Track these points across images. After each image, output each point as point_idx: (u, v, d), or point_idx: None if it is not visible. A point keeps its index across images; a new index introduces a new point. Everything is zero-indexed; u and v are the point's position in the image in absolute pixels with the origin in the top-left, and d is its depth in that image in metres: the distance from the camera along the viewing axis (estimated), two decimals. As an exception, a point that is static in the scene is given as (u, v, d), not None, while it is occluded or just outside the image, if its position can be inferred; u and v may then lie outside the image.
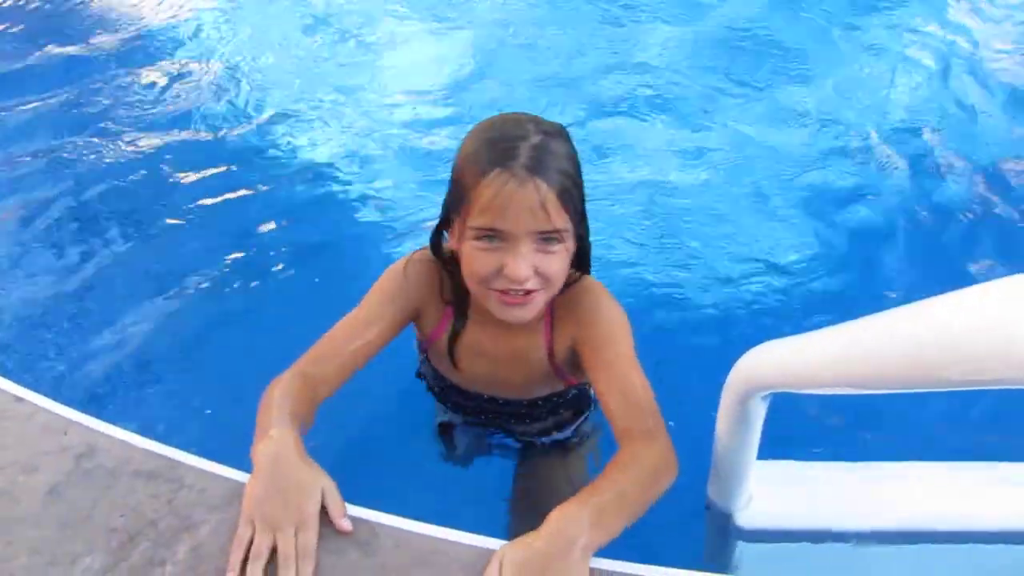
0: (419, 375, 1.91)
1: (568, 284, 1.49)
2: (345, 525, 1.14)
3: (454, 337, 1.60)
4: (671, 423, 1.39)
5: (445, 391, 1.78)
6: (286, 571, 1.07)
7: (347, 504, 1.19)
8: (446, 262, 1.55)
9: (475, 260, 1.37)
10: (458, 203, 1.38)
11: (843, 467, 1.55)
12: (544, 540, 1.11)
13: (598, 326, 1.52)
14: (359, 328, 1.52)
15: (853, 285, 2.74)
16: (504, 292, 1.38)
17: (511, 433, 1.88)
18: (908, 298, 1.00)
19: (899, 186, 3.24)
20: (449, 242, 1.49)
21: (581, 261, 1.53)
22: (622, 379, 1.45)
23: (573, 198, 1.36)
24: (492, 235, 1.33)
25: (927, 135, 3.52)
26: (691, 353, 2.40)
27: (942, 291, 0.93)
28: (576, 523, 1.12)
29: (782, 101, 3.68)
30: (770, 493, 1.47)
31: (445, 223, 1.49)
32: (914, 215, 3.09)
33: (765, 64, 3.91)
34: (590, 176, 1.45)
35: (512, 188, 1.29)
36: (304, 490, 1.15)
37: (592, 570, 1.11)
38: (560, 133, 1.39)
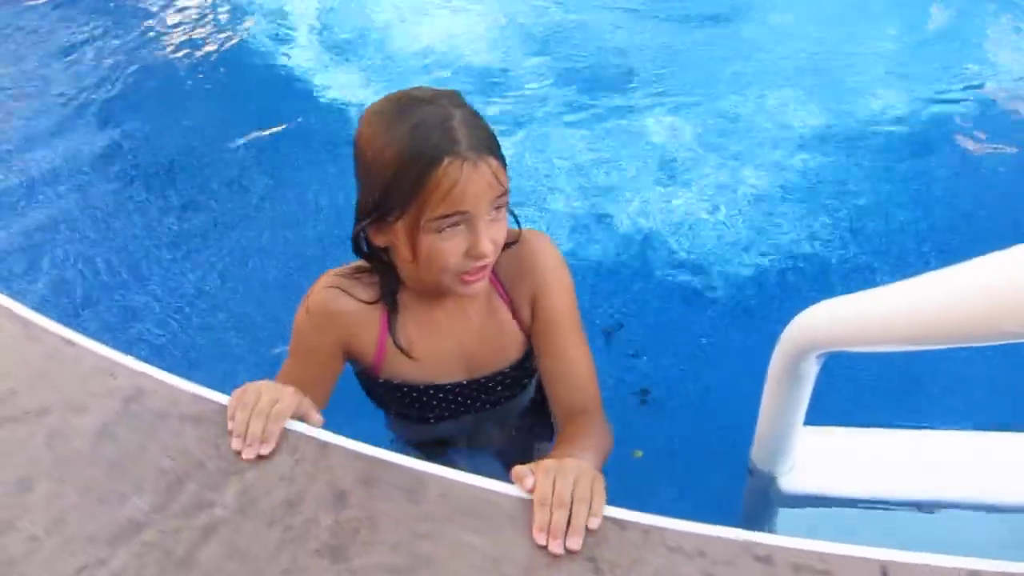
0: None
1: (509, 243, 1.46)
2: (314, 419, 1.29)
3: (396, 332, 1.52)
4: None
5: (426, 404, 1.63)
6: (255, 422, 1.21)
7: (391, 452, 1.21)
8: (373, 260, 1.48)
9: (440, 251, 1.33)
10: (404, 200, 1.30)
11: (890, 434, 1.53)
12: (567, 459, 1.18)
13: (536, 275, 1.51)
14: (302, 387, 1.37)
15: (910, 250, 2.72)
16: (466, 272, 1.37)
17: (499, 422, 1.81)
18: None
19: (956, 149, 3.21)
20: (377, 240, 1.41)
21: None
22: (562, 352, 1.51)
23: (502, 153, 1.36)
24: (456, 221, 1.31)
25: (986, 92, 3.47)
26: (734, 318, 2.39)
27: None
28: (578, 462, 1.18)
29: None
30: (815, 458, 1.46)
31: (372, 223, 1.38)
32: (971, 174, 3.06)
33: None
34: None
35: (469, 171, 1.27)
36: (288, 389, 1.29)
37: (625, 522, 1.11)
38: (459, 96, 1.37)
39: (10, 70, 3.84)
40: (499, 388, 1.64)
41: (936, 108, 3.40)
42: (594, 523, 1.09)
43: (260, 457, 1.20)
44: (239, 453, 1.20)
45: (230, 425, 1.24)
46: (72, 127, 3.42)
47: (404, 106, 1.32)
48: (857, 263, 2.65)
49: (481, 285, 1.41)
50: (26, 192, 3.08)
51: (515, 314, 1.56)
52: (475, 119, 1.33)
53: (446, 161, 1.27)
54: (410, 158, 1.28)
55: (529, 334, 1.58)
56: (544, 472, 1.14)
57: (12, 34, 4.08)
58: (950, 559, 1.04)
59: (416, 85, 1.39)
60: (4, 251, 2.80)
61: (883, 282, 1.08)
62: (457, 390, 1.61)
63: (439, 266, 1.36)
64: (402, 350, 1.53)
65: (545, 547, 1.07)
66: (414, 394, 1.61)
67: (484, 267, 1.38)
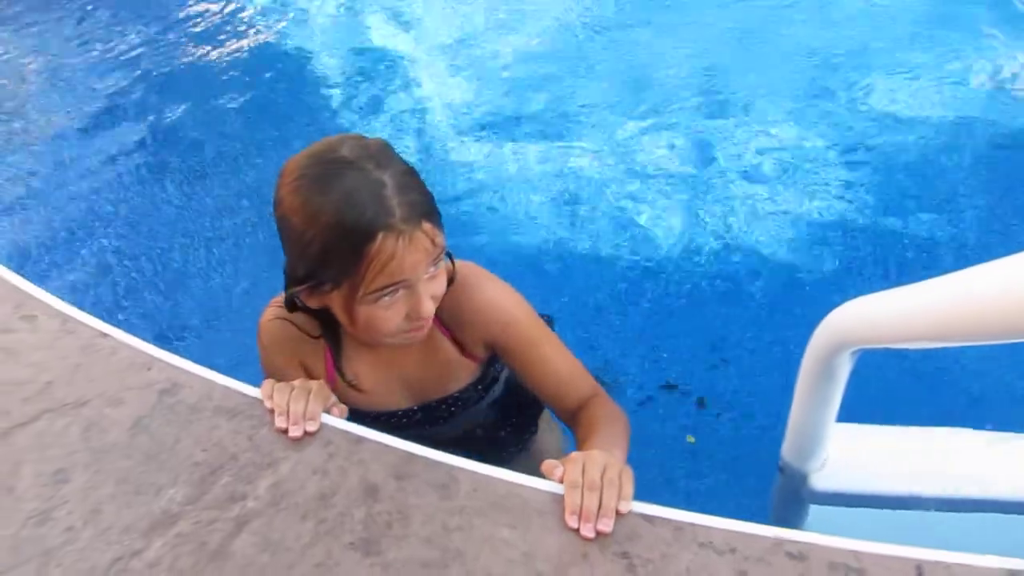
0: None
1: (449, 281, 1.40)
2: (335, 412, 1.31)
3: (341, 368, 1.50)
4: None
5: (381, 427, 1.57)
6: (297, 401, 1.25)
7: (421, 447, 1.23)
8: (311, 313, 1.41)
9: (381, 319, 1.28)
10: (337, 276, 1.24)
11: (923, 432, 1.51)
12: (594, 450, 1.20)
13: (489, 323, 1.46)
14: None
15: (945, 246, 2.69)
16: (407, 330, 1.32)
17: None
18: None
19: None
20: (311, 303, 1.35)
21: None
22: (545, 365, 1.47)
23: (437, 208, 1.28)
24: (395, 290, 1.25)
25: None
26: (767, 314, 2.38)
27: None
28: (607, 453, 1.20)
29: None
30: (847, 456, 1.44)
31: (307, 289, 1.31)
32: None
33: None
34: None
35: (404, 244, 1.20)
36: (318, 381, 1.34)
37: (657, 518, 1.11)
38: (387, 150, 1.26)
39: (43, 66, 3.88)
40: (452, 408, 1.61)
41: (973, 107, 3.36)
42: (624, 507, 1.10)
43: (307, 434, 1.23)
44: (284, 432, 1.23)
45: (268, 403, 1.26)
46: (109, 123, 3.46)
47: (329, 169, 1.22)
48: (894, 259, 2.62)
49: (422, 334, 1.36)
50: (63, 188, 3.12)
51: (462, 350, 1.52)
52: (407, 179, 1.23)
53: (380, 237, 1.18)
54: (342, 233, 1.19)
55: (481, 363, 1.56)
56: (573, 461, 1.16)
57: (41, 31, 4.13)
58: (987, 559, 1.03)
59: (343, 133, 1.29)
60: (43, 246, 2.84)
61: (921, 277, 1.07)
62: (409, 414, 1.59)
63: (379, 332, 1.31)
64: (350, 385, 1.50)
65: (577, 531, 1.08)
66: (366, 421, 1.58)
67: (425, 323, 1.33)
